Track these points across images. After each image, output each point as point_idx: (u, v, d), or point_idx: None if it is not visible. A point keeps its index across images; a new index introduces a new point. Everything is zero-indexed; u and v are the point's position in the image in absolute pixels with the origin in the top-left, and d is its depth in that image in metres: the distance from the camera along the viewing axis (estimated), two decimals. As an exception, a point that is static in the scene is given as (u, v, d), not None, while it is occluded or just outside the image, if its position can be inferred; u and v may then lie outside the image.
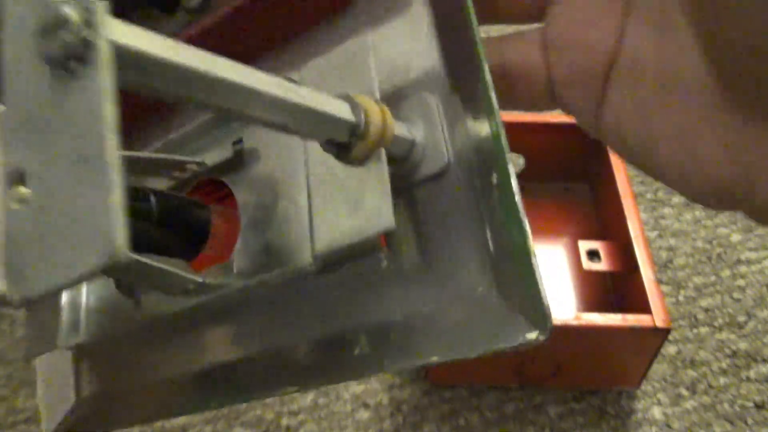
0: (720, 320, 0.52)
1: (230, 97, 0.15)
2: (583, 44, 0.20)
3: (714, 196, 0.18)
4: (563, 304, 0.52)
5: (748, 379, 0.49)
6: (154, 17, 0.25)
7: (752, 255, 0.56)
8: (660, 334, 0.43)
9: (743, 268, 0.56)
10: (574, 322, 0.42)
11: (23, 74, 0.14)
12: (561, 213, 0.58)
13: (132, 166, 0.22)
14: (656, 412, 0.47)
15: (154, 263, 0.18)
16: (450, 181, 0.20)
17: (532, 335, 0.17)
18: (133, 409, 0.25)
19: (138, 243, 0.14)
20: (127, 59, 0.13)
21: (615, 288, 0.52)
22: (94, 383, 0.26)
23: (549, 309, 0.17)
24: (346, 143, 0.18)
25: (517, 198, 0.18)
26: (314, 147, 0.20)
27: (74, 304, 0.24)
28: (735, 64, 0.16)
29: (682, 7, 0.17)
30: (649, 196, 0.61)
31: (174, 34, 0.23)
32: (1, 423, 0.47)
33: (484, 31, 0.19)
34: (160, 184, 0.24)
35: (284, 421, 0.47)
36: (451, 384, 0.49)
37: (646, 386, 0.49)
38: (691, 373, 0.49)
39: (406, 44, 0.21)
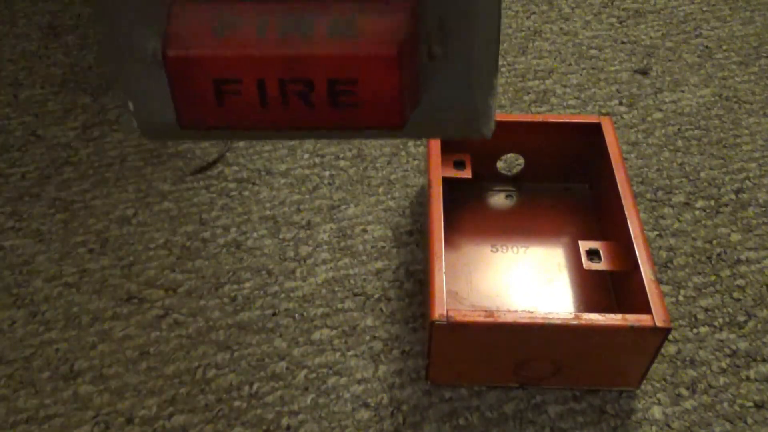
0: (720, 320, 0.52)
1: None
2: None
3: None
4: (563, 304, 0.52)
5: (748, 378, 0.49)
6: None
7: (752, 255, 0.56)
8: (660, 334, 0.43)
9: (743, 268, 0.56)
10: (574, 322, 0.42)
11: None
12: (561, 213, 0.58)
13: None
14: (656, 412, 0.47)
15: None
16: None
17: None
18: None
19: None
20: None
21: (615, 288, 0.52)
22: None
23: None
24: None
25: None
26: None
27: None
28: None
29: None
30: (649, 196, 0.61)
31: None
32: (2, 423, 0.47)
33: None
34: None
35: (284, 421, 0.47)
36: (451, 384, 0.49)
37: (646, 386, 0.49)
38: (691, 372, 0.49)
39: None
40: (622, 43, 0.76)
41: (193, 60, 0.22)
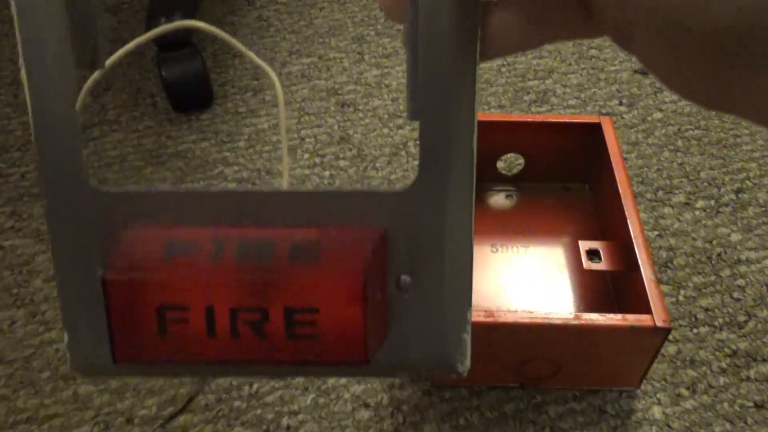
0: (720, 320, 0.52)
1: None
2: None
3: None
4: (563, 304, 0.52)
5: (748, 378, 0.49)
6: None
7: (752, 255, 0.56)
8: (660, 334, 0.43)
9: (743, 268, 0.56)
10: (574, 322, 0.42)
11: None
12: (561, 213, 0.58)
13: None
14: (656, 412, 0.47)
15: None
16: None
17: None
18: None
19: None
20: None
21: (615, 288, 0.52)
22: None
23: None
24: None
25: None
26: None
27: None
28: None
29: None
30: (649, 196, 0.61)
31: None
32: (2, 423, 0.47)
33: None
34: None
35: (284, 421, 0.47)
36: (451, 384, 0.49)
37: (646, 386, 0.49)
38: (691, 372, 0.49)
39: None
40: (622, 43, 0.76)
41: (135, 284, 0.20)
